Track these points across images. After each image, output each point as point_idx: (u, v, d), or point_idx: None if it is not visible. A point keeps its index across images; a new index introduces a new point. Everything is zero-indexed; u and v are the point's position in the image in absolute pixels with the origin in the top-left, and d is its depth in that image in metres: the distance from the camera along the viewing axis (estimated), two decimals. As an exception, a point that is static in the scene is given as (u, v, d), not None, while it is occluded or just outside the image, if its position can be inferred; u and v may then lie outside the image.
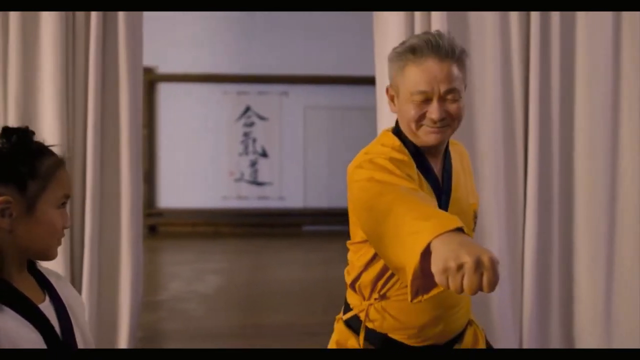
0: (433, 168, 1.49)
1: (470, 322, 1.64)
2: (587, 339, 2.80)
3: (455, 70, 1.40)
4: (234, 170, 8.40)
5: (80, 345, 1.19)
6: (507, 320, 2.77)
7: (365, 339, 1.53)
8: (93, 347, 1.25)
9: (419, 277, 1.05)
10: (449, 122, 1.44)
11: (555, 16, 2.72)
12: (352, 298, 1.61)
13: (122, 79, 2.65)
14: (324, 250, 6.85)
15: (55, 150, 1.15)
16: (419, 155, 1.48)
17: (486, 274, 0.93)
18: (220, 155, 8.37)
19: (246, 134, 8.42)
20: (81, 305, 1.26)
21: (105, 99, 2.65)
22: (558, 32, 2.73)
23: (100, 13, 2.59)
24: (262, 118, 8.36)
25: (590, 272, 2.79)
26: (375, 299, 1.52)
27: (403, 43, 1.46)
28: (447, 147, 1.54)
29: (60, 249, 1.19)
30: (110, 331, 2.72)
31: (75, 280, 2.62)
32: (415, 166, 1.45)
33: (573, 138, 2.81)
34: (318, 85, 8.13)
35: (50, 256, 1.14)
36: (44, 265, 1.22)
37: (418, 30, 2.62)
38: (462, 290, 0.93)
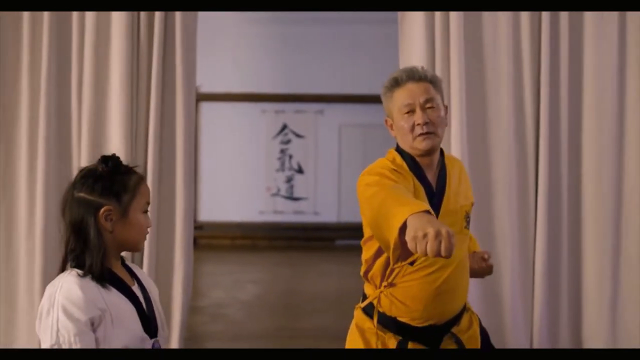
0: (426, 176, 1.85)
1: (466, 309, 1.92)
2: (595, 338, 3.02)
3: (430, 88, 1.85)
4: (270, 186, 8.75)
5: (158, 322, 1.56)
6: (519, 319, 3.00)
7: (378, 322, 1.84)
8: (166, 325, 1.61)
9: (398, 248, 1.39)
10: (433, 128, 1.83)
11: (564, 16, 2.97)
12: (367, 288, 1.93)
13: (179, 95, 2.99)
14: (356, 263, 7.04)
15: (137, 169, 1.55)
16: (415, 166, 1.84)
17: (443, 242, 1.25)
18: (258, 171, 8.74)
19: (283, 151, 8.78)
20: (156, 291, 1.64)
21: (163, 113, 3.00)
22: (567, 31, 2.97)
23: (162, 33, 2.94)
24: (298, 135, 8.71)
25: (598, 273, 3.01)
26: (385, 286, 1.83)
27: (388, 79, 1.88)
28: (443, 160, 1.90)
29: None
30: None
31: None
32: (412, 175, 1.82)
33: (581, 138, 3.02)
34: (353, 104, 8.47)
35: (139, 249, 1.55)
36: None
37: (438, 30, 2.93)
38: (426, 254, 1.25)
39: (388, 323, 1.84)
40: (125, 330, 1.42)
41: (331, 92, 8.40)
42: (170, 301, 3.00)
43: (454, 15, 2.92)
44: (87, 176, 1.45)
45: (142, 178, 1.53)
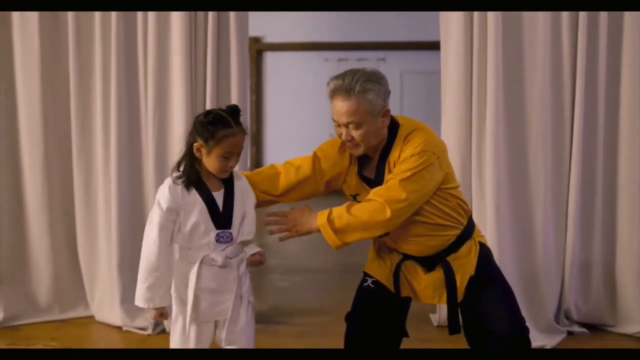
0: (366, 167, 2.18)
1: (472, 238, 2.19)
2: (627, 284, 3.19)
3: (355, 105, 1.99)
4: (333, 133, 8.91)
5: (239, 220, 2.05)
6: (551, 260, 3.17)
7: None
8: (254, 222, 2.09)
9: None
10: (357, 142, 2.05)
11: (603, 16, 3.05)
12: None
13: (233, 48, 3.23)
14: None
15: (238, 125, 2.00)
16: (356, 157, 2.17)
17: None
18: (321, 118, 8.92)
19: (346, 99, 8.95)
20: (250, 194, 2.12)
21: (219, 65, 3.25)
22: (605, 31, 3.07)
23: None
24: (360, 83, 8.84)
25: (630, 213, 3.15)
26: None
27: (328, 84, 2.06)
28: (389, 148, 2.10)
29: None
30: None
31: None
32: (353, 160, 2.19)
33: (619, 101, 3.15)
34: (414, 51, 8.48)
35: (221, 176, 2.04)
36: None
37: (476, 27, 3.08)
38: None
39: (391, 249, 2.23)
40: (191, 220, 1.99)
41: (392, 39, 8.43)
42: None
43: (491, 15, 3.03)
44: (202, 119, 1.98)
45: (229, 134, 1.96)
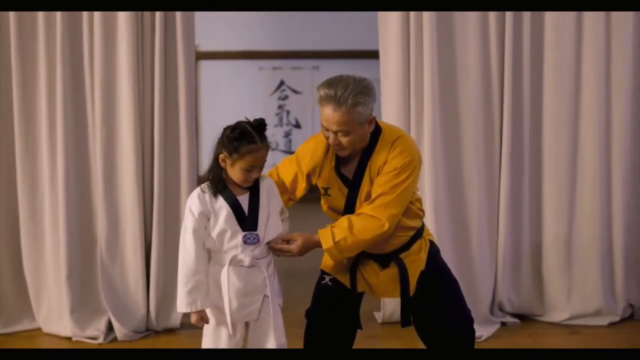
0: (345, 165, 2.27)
1: (422, 237, 2.33)
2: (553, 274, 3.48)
3: (345, 115, 2.08)
4: (269, 141, 9.07)
5: (264, 221, 2.17)
6: (485, 253, 3.42)
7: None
8: (275, 225, 2.19)
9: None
10: (344, 147, 2.15)
11: (526, 25, 3.35)
12: None
13: (180, 56, 3.32)
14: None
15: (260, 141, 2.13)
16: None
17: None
18: (256, 126, 9.05)
19: (280, 107, 9.06)
20: (275, 194, 2.24)
21: (167, 73, 3.32)
22: (529, 29, 3.35)
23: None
24: (295, 92, 8.97)
25: (556, 217, 3.45)
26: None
27: (317, 88, 2.15)
28: (371, 151, 2.21)
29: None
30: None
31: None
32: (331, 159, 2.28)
33: (542, 102, 3.44)
34: (347, 60, 8.70)
35: (243, 185, 2.16)
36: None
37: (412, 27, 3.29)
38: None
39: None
40: (220, 224, 2.12)
41: (326, 48, 8.63)
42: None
43: (426, 15, 3.26)
44: (228, 133, 2.12)
45: (252, 150, 2.09)
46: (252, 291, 2.15)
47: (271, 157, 8.27)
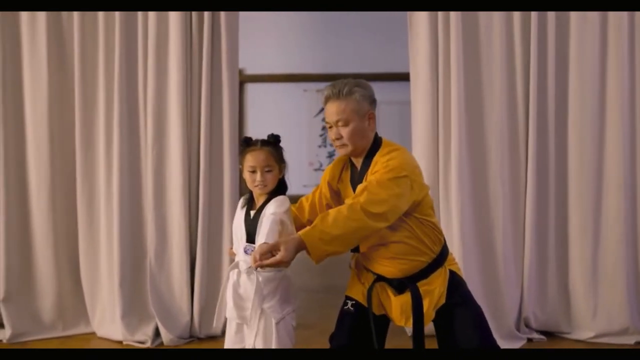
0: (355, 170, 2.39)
1: (443, 266, 2.34)
2: (578, 289, 3.54)
3: (344, 105, 2.27)
4: (313, 161, 9.27)
5: (258, 236, 2.25)
6: (510, 271, 3.52)
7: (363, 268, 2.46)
8: (271, 238, 2.21)
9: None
10: (345, 141, 2.30)
11: (551, 51, 3.46)
12: None
13: (225, 82, 3.58)
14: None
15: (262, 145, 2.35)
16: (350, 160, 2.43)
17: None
18: (301, 147, 9.26)
19: (324, 128, 9.30)
20: (268, 216, 2.27)
21: (212, 97, 3.59)
22: (553, 48, 3.46)
23: (210, 29, 3.54)
24: (338, 113, 9.21)
25: (581, 230, 3.52)
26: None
27: (323, 92, 2.36)
28: (371, 158, 2.32)
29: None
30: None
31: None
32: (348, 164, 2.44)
33: (567, 126, 3.53)
34: (387, 82, 8.90)
35: (254, 191, 2.36)
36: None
37: (441, 25, 3.46)
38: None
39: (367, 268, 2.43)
40: (234, 235, 2.37)
41: (368, 71, 8.86)
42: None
43: (453, 15, 3.42)
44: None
45: (251, 150, 2.32)
46: (244, 295, 2.27)
47: (316, 177, 8.58)
